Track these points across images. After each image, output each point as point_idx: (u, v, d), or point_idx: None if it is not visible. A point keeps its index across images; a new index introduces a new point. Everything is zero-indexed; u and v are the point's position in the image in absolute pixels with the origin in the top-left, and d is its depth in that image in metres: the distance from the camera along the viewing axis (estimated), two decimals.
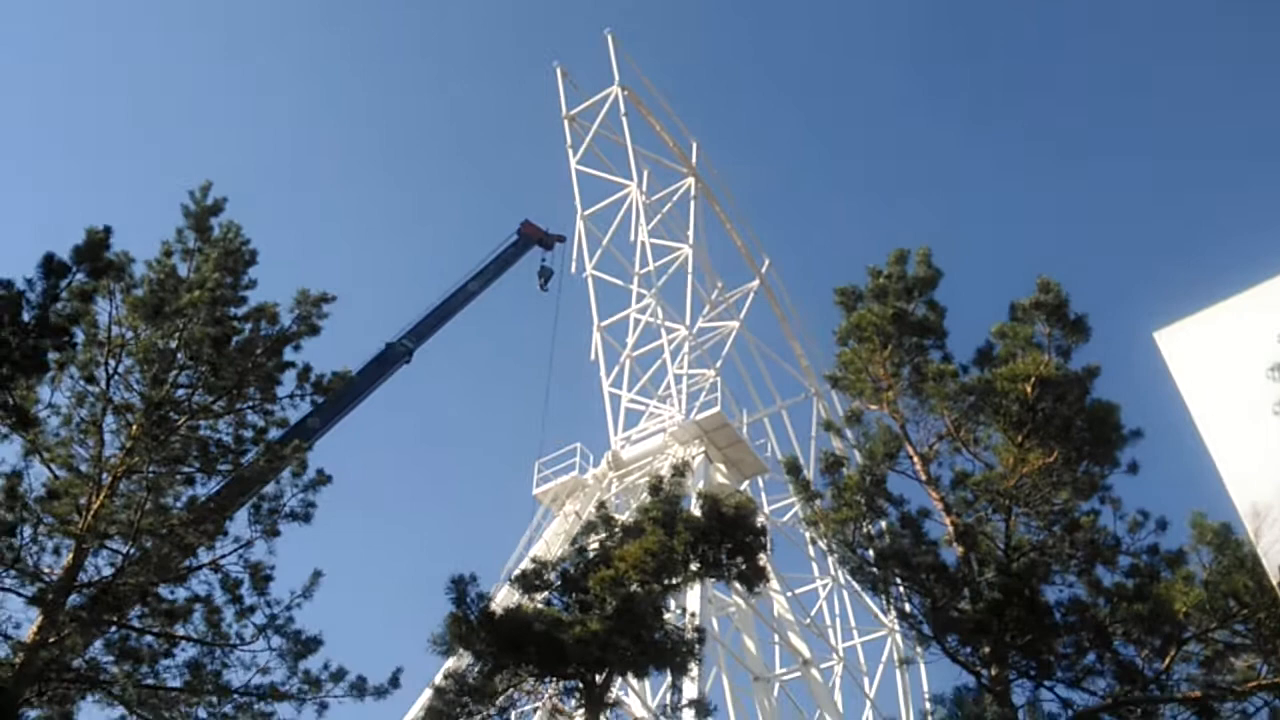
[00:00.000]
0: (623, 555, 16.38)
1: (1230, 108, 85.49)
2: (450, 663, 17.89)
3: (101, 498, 16.57)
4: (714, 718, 24.89)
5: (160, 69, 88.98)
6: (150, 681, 16.60)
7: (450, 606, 16.11)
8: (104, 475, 16.82)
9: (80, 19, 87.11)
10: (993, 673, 14.94)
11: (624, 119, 43.65)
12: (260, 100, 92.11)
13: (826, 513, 16.92)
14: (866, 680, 38.26)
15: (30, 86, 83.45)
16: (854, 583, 29.06)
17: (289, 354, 18.92)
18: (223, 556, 17.38)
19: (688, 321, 39.69)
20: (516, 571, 17.91)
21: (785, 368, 44.34)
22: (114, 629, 16.64)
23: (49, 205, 78.78)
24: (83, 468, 16.91)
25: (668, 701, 18.59)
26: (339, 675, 17.30)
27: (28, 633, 15.63)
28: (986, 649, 15.11)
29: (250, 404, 18.57)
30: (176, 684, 16.74)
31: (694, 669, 17.48)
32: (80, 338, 16.75)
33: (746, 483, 36.97)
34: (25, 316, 14.42)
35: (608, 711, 16.80)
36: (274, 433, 18.93)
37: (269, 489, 18.04)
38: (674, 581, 16.89)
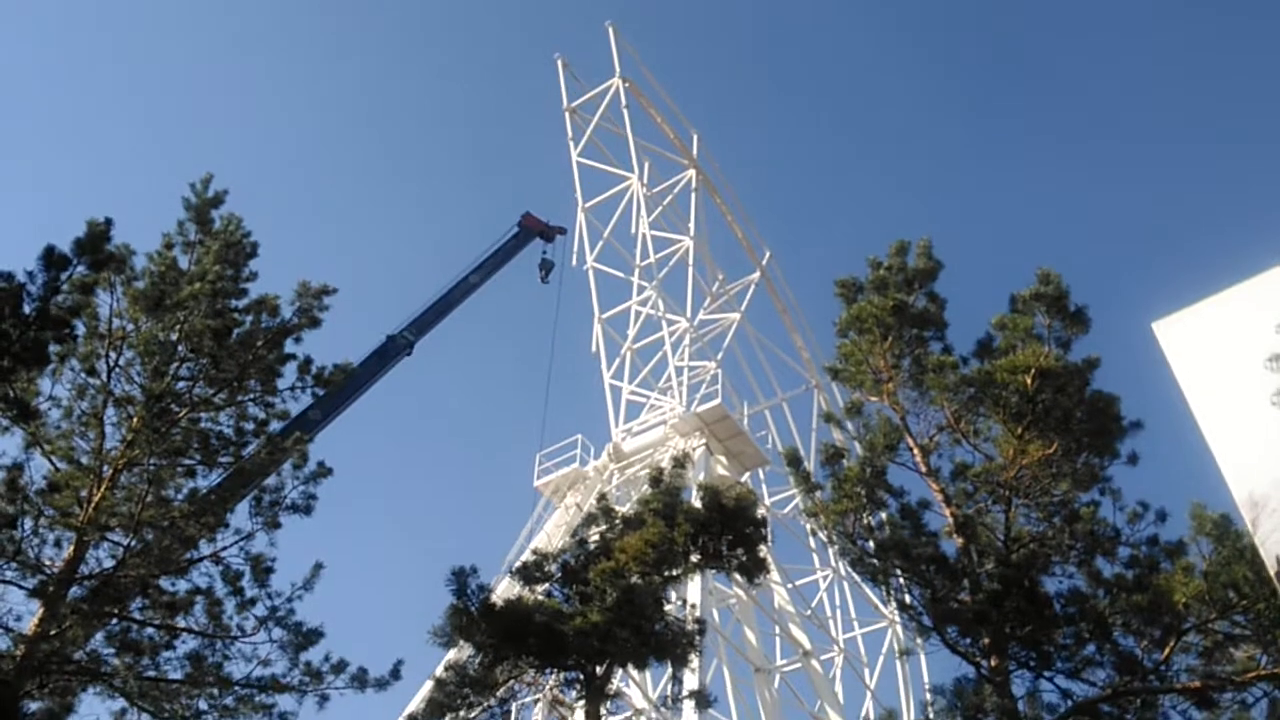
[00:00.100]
0: (623, 547, 16.39)
1: (1229, 98, 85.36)
2: (451, 654, 17.93)
3: (102, 490, 16.58)
4: (715, 709, 25.04)
5: (158, 61, 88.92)
6: (151, 673, 16.62)
7: (451, 598, 16.12)
8: (105, 468, 16.83)
9: (79, 16, 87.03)
10: (992, 664, 14.95)
11: (625, 111, 43.67)
12: (259, 92, 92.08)
13: (827, 504, 16.94)
14: (867, 671, 38.33)
15: (28, 84, 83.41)
16: (854, 574, 29.17)
17: (290, 346, 19.00)
18: (224, 549, 17.40)
19: (689, 314, 39.70)
20: (517, 563, 17.93)
21: (786, 360, 44.40)
22: (115, 621, 16.65)
23: (48, 203, 78.74)
24: (84, 460, 16.93)
25: (668, 693, 18.60)
26: (340, 667, 17.33)
27: (29, 625, 15.65)
28: (986, 640, 15.11)
29: (251, 396, 18.60)
30: (177, 676, 16.75)
31: (694, 660, 17.49)
32: (81, 330, 16.77)
33: (747, 475, 37.01)
34: (26, 309, 14.40)
35: (608, 703, 16.81)
36: (275, 425, 18.96)
37: (270, 481, 18.08)
38: (674, 573, 16.89)
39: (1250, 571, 13.59)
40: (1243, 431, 8.68)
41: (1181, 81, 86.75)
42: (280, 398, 18.84)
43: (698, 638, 16.85)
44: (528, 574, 17.26)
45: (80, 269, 15.05)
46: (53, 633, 15.65)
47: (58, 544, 16.43)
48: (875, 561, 16.52)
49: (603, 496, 21.29)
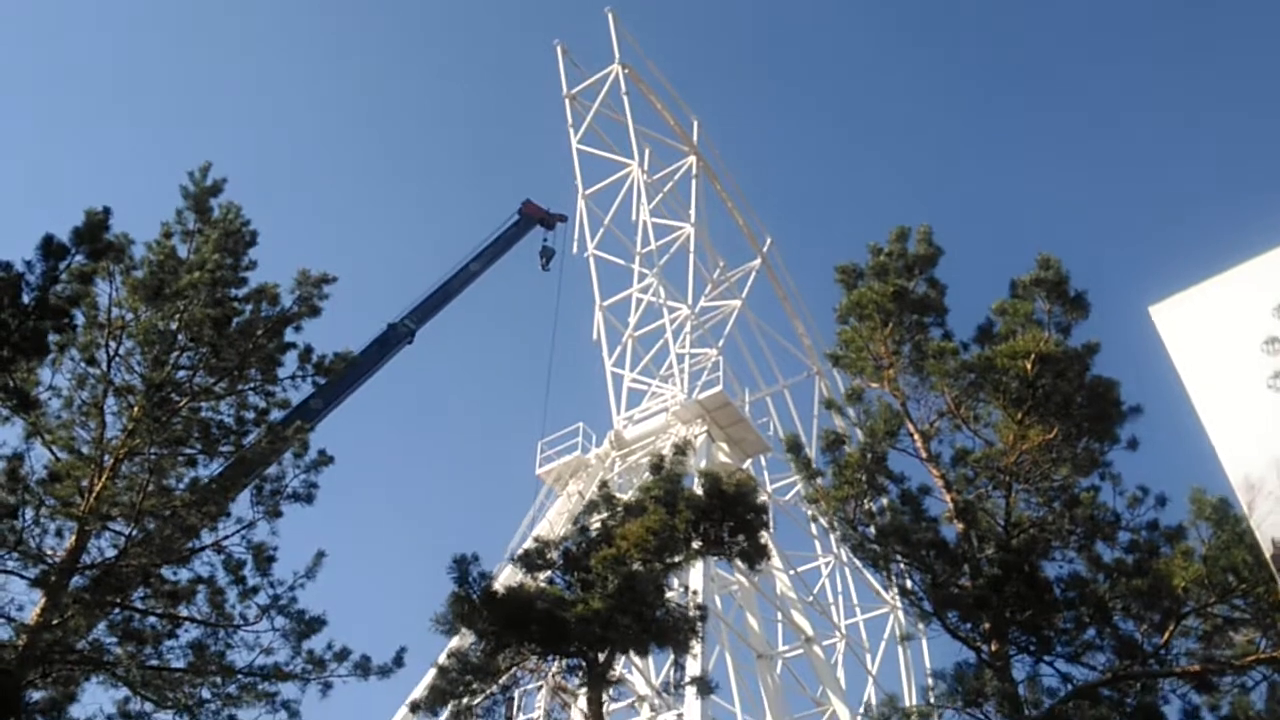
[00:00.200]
0: (624, 534, 16.41)
1: (1224, 85, 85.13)
2: (454, 642, 17.96)
3: (103, 480, 16.58)
4: (717, 695, 25.09)
5: (158, 61, 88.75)
6: (154, 662, 16.63)
7: (453, 586, 16.14)
8: (106, 457, 16.83)
9: (80, 16, 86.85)
10: (993, 648, 14.99)
11: (625, 98, 43.55)
12: (258, 83, 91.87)
13: (828, 490, 16.97)
14: (869, 657, 38.42)
15: (28, 85, 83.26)
16: (856, 560, 29.19)
17: (290, 335, 18.96)
18: (225, 538, 17.39)
19: (690, 301, 39.65)
20: (519, 551, 17.95)
21: (787, 346, 44.38)
22: (117, 610, 16.66)
23: (48, 204, 78.66)
24: (84, 450, 16.93)
25: (671, 679, 18.63)
26: (343, 655, 17.35)
27: (31, 615, 15.66)
28: (986, 625, 15.15)
29: (251, 385, 18.58)
30: (180, 665, 16.78)
31: (696, 647, 17.52)
32: (80, 320, 16.74)
33: (749, 461, 37.02)
34: (25, 298, 14.39)
35: (611, 689, 16.85)
36: (276, 414, 18.95)
37: (271, 470, 18.05)
38: (676, 560, 16.91)
39: (1249, 556, 13.60)
40: (1239, 414, 8.68)
41: (1176, 68, 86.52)
42: (281, 386, 18.83)
43: (699, 624, 16.87)
44: (529, 561, 17.28)
45: (79, 258, 15.03)
46: (55, 622, 15.68)
47: (59, 534, 16.45)
48: (876, 547, 16.54)
49: (604, 484, 21.36)
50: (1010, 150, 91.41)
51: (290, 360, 18.86)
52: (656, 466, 18.10)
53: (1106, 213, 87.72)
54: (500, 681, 16.45)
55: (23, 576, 16.00)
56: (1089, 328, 16.62)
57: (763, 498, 24.04)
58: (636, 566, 16.07)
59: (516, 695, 17.23)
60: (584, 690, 16.56)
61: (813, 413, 42.20)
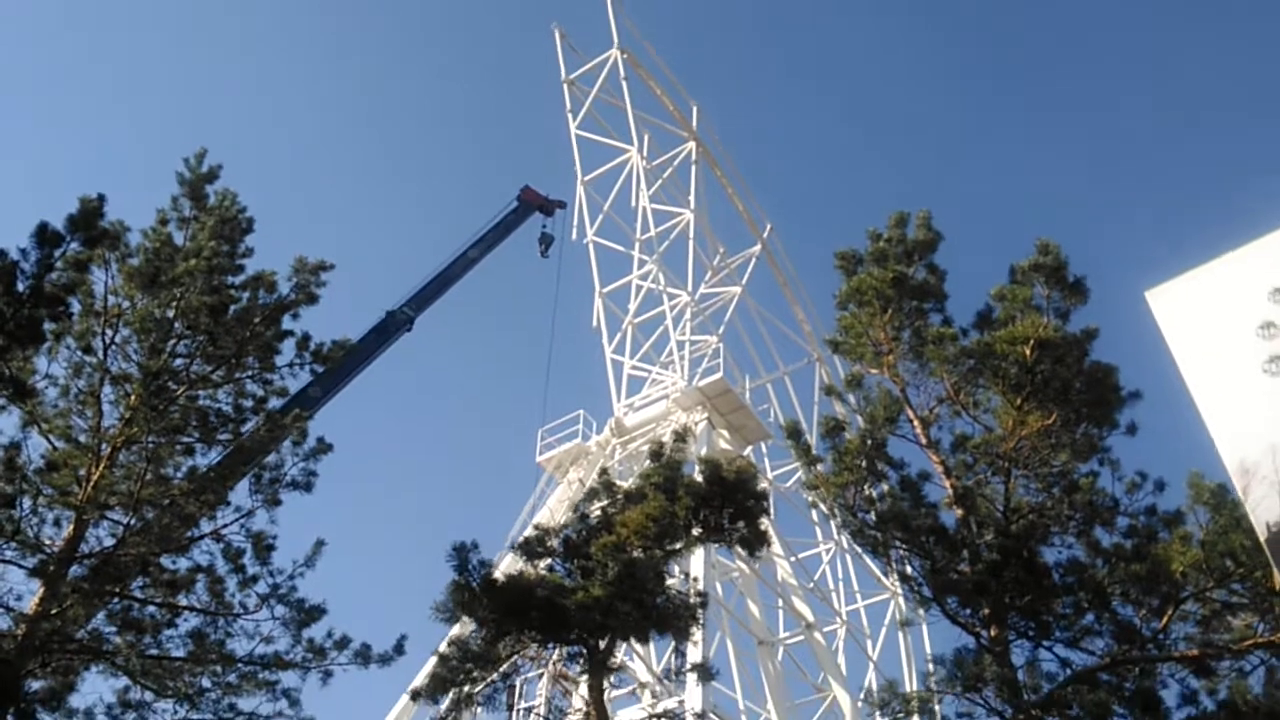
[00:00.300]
0: (625, 521, 16.38)
1: (1221, 69, 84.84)
2: (454, 630, 17.95)
3: (101, 469, 16.55)
4: (718, 681, 25.12)
5: (155, 52, 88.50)
6: (154, 651, 16.65)
7: (453, 574, 16.13)
8: (103, 446, 16.80)
9: (80, 15, 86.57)
10: (992, 633, 14.99)
11: (624, 83, 43.37)
12: (254, 70, 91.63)
13: (828, 477, 16.94)
14: (869, 643, 38.50)
15: (28, 85, 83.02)
16: (856, 546, 29.18)
17: (288, 323, 18.90)
18: (224, 526, 17.36)
19: (689, 287, 39.57)
20: (519, 539, 17.93)
21: (787, 333, 44.31)
22: (116, 600, 16.64)
23: (47, 205, 78.47)
24: (81, 439, 16.90)
25: (672, 666, 18.64)
26: (343, 643, 17.35)
27: (30, 604, 15.66)
28: (986, 610, 15.15)
29: (249, 373, 18.54)
30: (180, 654, 16.79)
31: (697, 634, 17.52)
32: (76, 308, 16.73)
33: (750, 448, 36.99)
34: (20, 286, 14.34)
35: (611, 676, 16.86)
36: (274, 402, 18.92)
37: (270, 458, 18.01)
38: (676, 547, 16.90)
39: (1247, 541, 13.59)
40: (1235, 399, 8.65)
41: (1173, 53, 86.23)
42: (279, 374, 18.80)
43: (700, 611, 16.86)
44: (530, 549, 17.26)
45: (74, 246, 14.98)
46: (54, 612, 15.66)
47: (57, 523, 16.44)
48: (876, 533, 16.52)
49: (604, 471, 21.34)
50: (1010, 136, 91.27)
51: (288, 348, 18.85)
52: (656, 454, 18.07)
53: (1106, 198, 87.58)
54: (501, 669, 16.45)
55: (21, 566, 16.00)
56: (1088, 313, 16.60)
57: (763, 484, 24.02)
58: (637, 554, 16.06)
59: (517, 683, 17.26)
60: (585, 677, 16.57)
61: (813, 399, 42.24)
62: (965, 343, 16.79)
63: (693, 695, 23.66)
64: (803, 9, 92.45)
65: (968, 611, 15.40)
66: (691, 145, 43.65)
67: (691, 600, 16.82)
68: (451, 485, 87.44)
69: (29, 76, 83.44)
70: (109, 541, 16.69)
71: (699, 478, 17.15)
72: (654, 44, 45.57)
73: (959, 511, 15.91)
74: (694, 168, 43.03)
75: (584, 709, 16.40)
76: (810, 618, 34.46)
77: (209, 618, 17.04)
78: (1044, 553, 15.67)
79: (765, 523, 17.82)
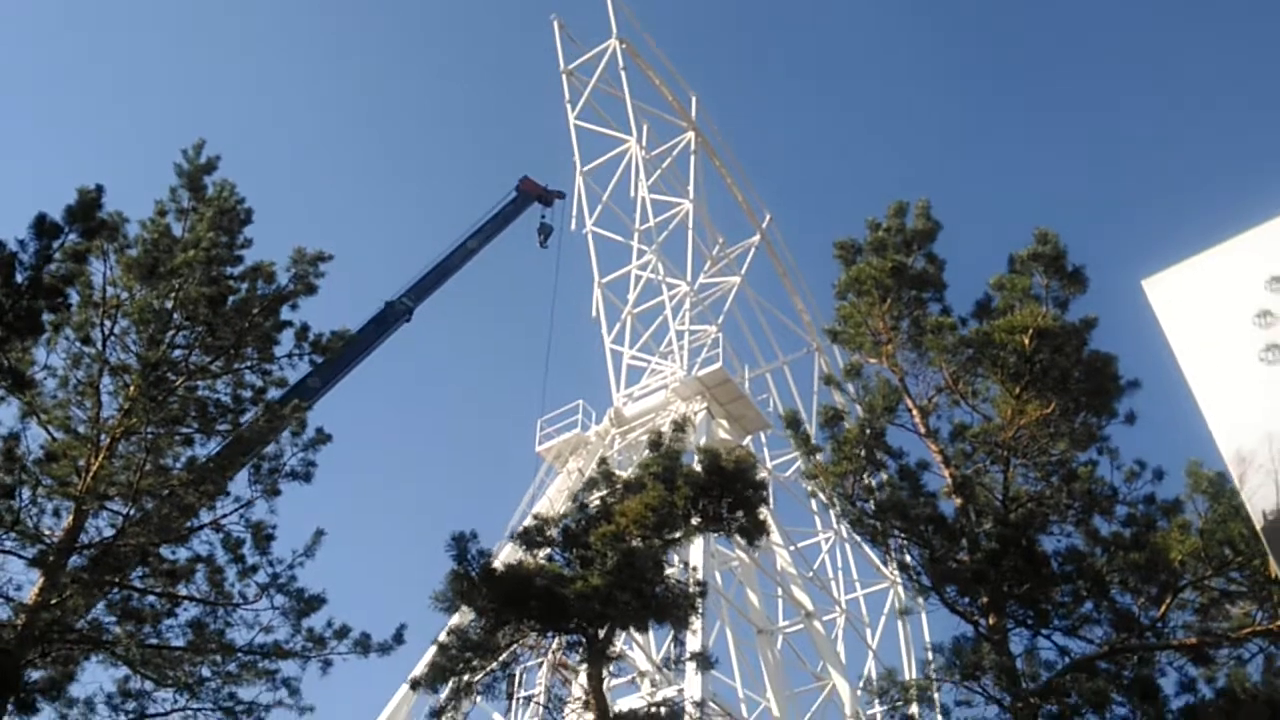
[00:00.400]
0: (623, 511, 16.38)
1: (1218, 58, 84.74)
2: (454, 619, 17.98)
3: (100, 459, 16.57)
4: (717, 670, 25.15)
5: (155, 52, 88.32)
6: (153, 641, 16.67)
7: (452, 563, 16.14)
8: (102, 437, 16.82)
9: (80, 14, 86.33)
10: (991, 622, 15.00)
11: (623, 73, 43.29)
12: (253, 60, 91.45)
13: (827, 466, 16.94)
14: (869, 631, 38.55)
15: (27, 85, 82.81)
16: (855, 535, 29.21)
17: (286, 313, 18.92)
18: (224, 516, 17.40)
19: (689, 277, 39.54)
20: (519, 528, 17.94)
21: (786, 323, 44.30)
22: (116, 590, 16.68)
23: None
24: (81, 429, 16.92)
25: (671, 654, 18.67)
26: (343, 632, 17.39)
27: (29, 594, 15.69)
28: (984, 599, 15.16)
29: (248, 364, 18.56)
30: (180, 643, 16.82)
31: (696, 622, 17.53)
32: (75, 299, 16.73)
33: (749, 438, 37.00)
34: (18, 278, 14.35)
35: (611, 665, 16.88)
36: (273, 392, 18.93)
37: (269, 448, 18.05)
38: (675, 536, 16.90)
39: (1246, 529, 13.59)
40: (1231, 388, 8.66)
41: (1170, 42, 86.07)
42: (278, 365, 18.81)
43: (699, 600, 16.87)
44: (529, 538, 17.28)
45: (72, 237, 14.98)
46: (53, 602, 15.69)
47: (57, 513, 16.46)
48: (875, 522, 16.53)
49: (604, 461, 21.29)
50: (1008, 123, 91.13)
51: (287, 339, 18.88)
52: (655, 443, 18.07)
53: (1105, 187, 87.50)
54: (500, 658, 16.47)
55: (21, 556, 16.03)
56: (1087, 302, 16.59)
57: (762, 474, 24.05)
58: (636, 543, 16.06)
59: (517, 672, 17.27)
60: (584, 666, 16.60)
61: (812, 389, 42.19)
62: (964, 332, 16.78)
63: (692, 684, 23.72)
64: None
65: (966, 600, 15.42)
66: (690, 135, 43.57)
67: (690, 589, 16.83)
68: (451, 475, 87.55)
69: (29, 76, 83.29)
70: (108, 532, 16.74)
71: (698, 467, 17.15)
72: (653, 34, 45.52)
73: (958, 500, 15.92)
74: (693, 158, 42.97)
75: (583, 697, 16.42)
76: (809, 606, 34.49)
77: (209, 607, 17.08)
78: (1043, 541, 15.69)
79: (764, 512, 17.85)
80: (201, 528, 17.27)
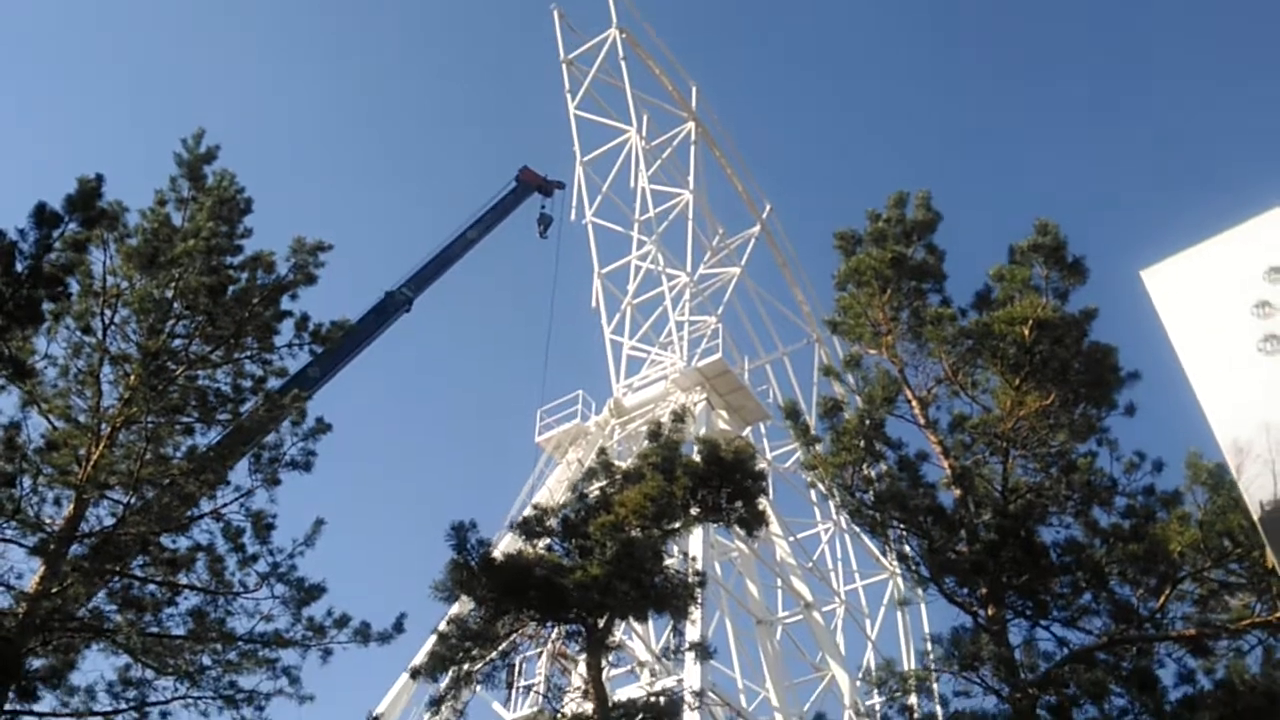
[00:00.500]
0: (623, 501, 16.41)
1: (1216, 48, 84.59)
2: (453, 609, 18.01)
3: (101, 448, 16.60)
4: (716, 660, 25.20)
5: (155, 52, 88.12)
6: (154, 630, 16.70)
7: (452, 553, 16.16)
8: (103, 426, 16.85)
9: (80, 14, 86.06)
10: (990, 613, 15.02)
11: (623, 63, 43.20)
12: (251, 52, 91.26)
13: (826, 457, 16.95)
14: (868, 622, 38.62)
15: (27, 84, 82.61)
16: (854, 526, 29.27)
17: (286, 303, 18.94)
18: (224, 505, 17.44)
19: (689, 268, 39.53)
20: (518, 518, 17.96)
21: (786, 313, 44.30)
22: (116, 578, 16.71)
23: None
24: (81, 418, 16.94)
25: (670, 644, 18.71)
26: (343, 621, 17.44)
27: (30, 583, 15.73)
28: (983, 590, 15.17)
29: (248, 353, 18.57)
30: (180, 632, 16.85)
31: (695, 613, 17.56)
32: (75, 288, 16.74)
33: (748, 429, 37.02)
34: (19, 267, 14.35)
35: (610, 655, 16.91)
36: (273, 382, 18.98)
37: (269, 438, 18.06)
38: (674, 526, 16.92)
39: (1245, 520, 13.59)
40: (1229, 378, 8.66)
41: (1170, 32, 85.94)
42: (278, 354, 18.84)
43: (698, 590, 16.90)
44: (528, 528, 17.29)
45: (72, 226, 14.98)
46: (54, 590, 15.72)
47: (57, 502, 16.50)
48: (874, 513, 16.54)
49: (603, 451, 21.34)
50: (1008, 113, 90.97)
51: (287, 328, 18.89)
52: (654, 434, 18.08)
53: (1104, 179, 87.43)
54: (500, 648, 16.50)
55: (22, 545, 16.07)
56: (1087, 293, 16.59)
57: (761, 464, 24.02)
58: (635, 533, 16.08)
59: (516, 661, 17.30)
60: (583, 656, 16.63)
61: (812, 380, 42.20)
62: (964, 323, 16.79)
63: (691, 674, 23.76)
64: None
65: (965, 591, 15.44)
66: (691, 125, 43.52)
67: (690, 579, 16.86)
68: (450, 465, 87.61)
69: (29, 76, 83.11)
70: (109, 520, 16.77)
71: (697, 458, 17.17)
72: (653, 23, 45.48)
73: (957, 491, 15.93)
74: (693, 148, 42.91)
75: (583, 687, 16.46)
76: (809, 597, 34.56)
77: (209, 596, 17.11)
78: (1042, 532, 15.71)
79: (764, 502, 17.85)
80: (202, 517, 17.30)
